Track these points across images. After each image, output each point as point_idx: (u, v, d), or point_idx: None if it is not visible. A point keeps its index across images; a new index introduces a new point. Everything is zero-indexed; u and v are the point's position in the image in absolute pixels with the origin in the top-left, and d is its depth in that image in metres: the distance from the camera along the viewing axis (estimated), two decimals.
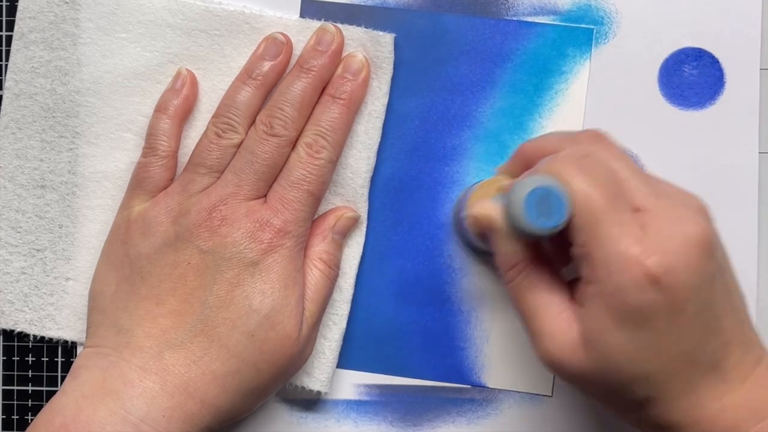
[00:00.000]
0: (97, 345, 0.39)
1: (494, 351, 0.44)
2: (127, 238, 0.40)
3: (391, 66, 0.43)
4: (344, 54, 0.42)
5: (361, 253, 0.44)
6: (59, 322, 0.44)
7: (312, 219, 0.41)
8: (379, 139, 0.43)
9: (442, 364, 0.44)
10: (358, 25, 0.43)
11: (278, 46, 0.42)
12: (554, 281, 0.35)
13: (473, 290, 0.44)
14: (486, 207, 0.35)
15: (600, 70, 0.44)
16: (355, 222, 0.43)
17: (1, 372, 0.45)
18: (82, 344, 0.44)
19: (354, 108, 0.42)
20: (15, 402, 0.45)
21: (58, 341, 0.44)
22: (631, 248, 0.31)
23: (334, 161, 0.41)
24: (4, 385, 0.45)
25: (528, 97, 0.43)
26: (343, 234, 0.43)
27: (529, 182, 0.32)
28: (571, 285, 0.35)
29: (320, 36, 0.42)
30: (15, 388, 0.45)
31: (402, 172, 0.44)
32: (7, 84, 0.44)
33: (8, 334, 0.45)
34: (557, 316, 0.34)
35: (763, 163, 0.44)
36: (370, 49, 0.42)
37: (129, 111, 0.44)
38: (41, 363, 0.45)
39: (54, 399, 0.37)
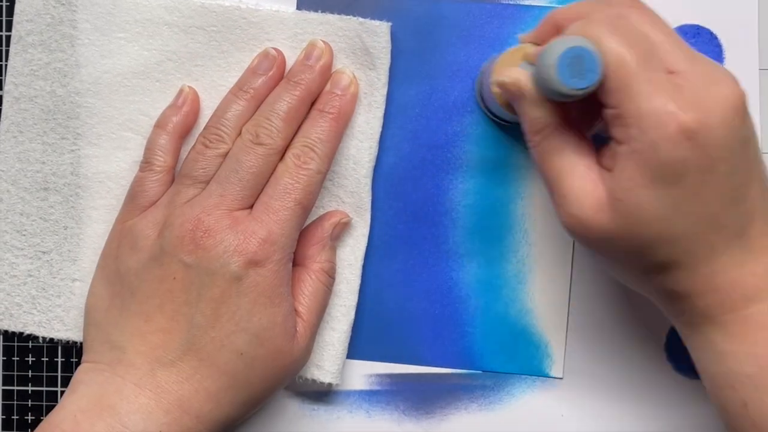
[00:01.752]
0: (93, 360, 0.39)
1: (504, 336, 0.44)
2: (118, 252, 0.40)
3: (389, 55, 0.43)
4: (333, 69, 0.42)
5: (366, 244, 0.44)
6: (67, 323, 0.44)
7: (299, 230, 0.40)
8: (380, 129, 0.43)
9: (452, 351, 0.44)
10: (354, 15, 0.43)
11: (270, 60, 0.42)
12: (581, 144, 0.35)
13: (480, 275, 0.44)
14: (513, 73, 0.35)
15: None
16: (348, 226, 0.43)
17: (1, 372, 0.45)
18: None
19: (342, 123, 0.41)
20: (15, 402, 0.45)
21: (58, 341, 0.44)
22: (667, 104, 0.32)
23: (323, 173, 0.40)
24: (4, 385, 0.45)
25: None
26: (339, 239, 0.43)
27: (561, 43, 0.32)
28: (598, 151, 0.35)
29: (309, 51, 0.42)
30: (15, 388, 0.45)
31: (404, 161, 0.44)
32: (6, 88, 0.44)
33: (8, 334, 0.45)
34: (583, 178, 0.34)
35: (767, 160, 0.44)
36: (367, 40, 0.42)
37: (129, 110, 0.44)
38: (41, 363, 0.45)
39: (52, 413, 0.37)
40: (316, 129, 0.40)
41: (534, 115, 0.35)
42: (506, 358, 0.44)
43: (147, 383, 0.37)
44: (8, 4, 0.44)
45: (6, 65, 0.44)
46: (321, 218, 0.42)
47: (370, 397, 0.44)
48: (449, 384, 0.44)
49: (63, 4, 0.43)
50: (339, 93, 0.41)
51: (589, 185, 0.34)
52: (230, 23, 0.43)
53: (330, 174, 0.43)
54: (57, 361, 0.45)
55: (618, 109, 0.33)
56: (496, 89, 0.37)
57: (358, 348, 0.44)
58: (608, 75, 0.32)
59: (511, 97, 0.36)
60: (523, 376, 0.44)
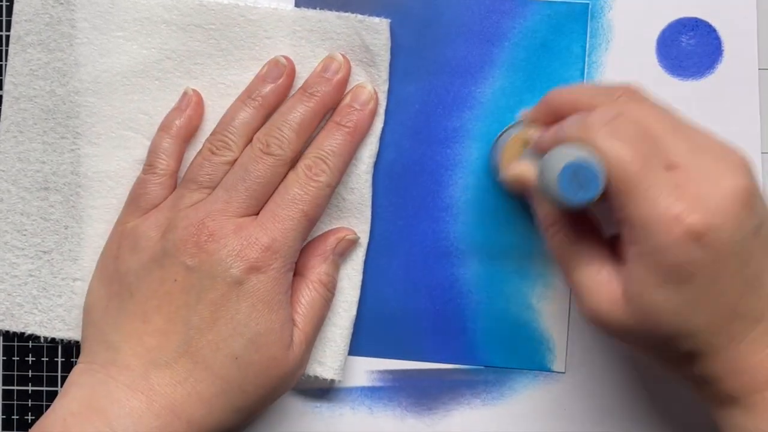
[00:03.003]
0: (87, 361, 0.39)
1: (505, 331, 0.44)
2: (119, 253, 0.40)
3: (389, 52, 0.43)
4: (352, 84, 0.42)
5: (367, 240, 0.44)
6: (69, 322, 0.44)
7: (303, 241, 0.40)
8: (381, 125, 0.43)
9: (454, 346, 0.44)
10: (353, 12, 0.43)
11: (280, 68, 0.42)
12: (594, 237, 0.35)
13: (481, 270, 0.44)
14: (519, 170, 0.36)
15: (597, 44, 0.44)
16: (355, 244, 0.43)
17: (1, 372, 0.45)
18: None
19: (358, 138, 0.41)
20: (15, 402, 0.45)
21: (58, 341, 0.44)
22: (671, 208, 0.31)
23: (333, 186, 0.40)
24: (4, 385, 0.45)
25: (527, 75, 0.43)
26: (343, 256, 0.43)
27: (561, 156, 0.32)
28: (611, 241, 0.36)
29: (327, 64, 0.42)
30: (15, 388, 0.45)
31: (405, 157, 0.44)
32: (6, 88, 0.44)
33: (8, 334, 0.45)
34: (599, 272, 0.34)
35: (765, 162, 0.44)
36: (367, 37, 0.42)
37: (129, 109, 0.44)
38: (41, 363, 0.45)
39: (44, 416, 0.37)
40: (331, 141, 0.40)
41: (544, 211, 0.36)
42: (508, 353, 0.44)
43: (139, 386, 0.37)
44: (8, 3, 0.44)
45: (5, 65, 0.44)
46: (327, 232, 0.43)
47: (372, 393, 0.44)
48: (451, 380, 0.44)
49: (61, 3, 0.43)
50: (358, 107, 0.41)
51: (605, 279, 0.34)
52: (229, 21, 0.43)
53: None
54: (57, 361, 0.45)
55: (623, 211, 0.32)
56: (506, 184, 0.38)
57: (360, 344, 0.44)
58: (610, 180, 0.32)
59: (521, 192, 0.37)
60: (525, 371, 0.44)
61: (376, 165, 0.44)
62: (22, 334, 0.44)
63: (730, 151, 0.34)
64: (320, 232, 0.43)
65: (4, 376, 0.45)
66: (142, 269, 0.39)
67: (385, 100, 0.43)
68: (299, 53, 0.43)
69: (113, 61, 0.43)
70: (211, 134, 0.41)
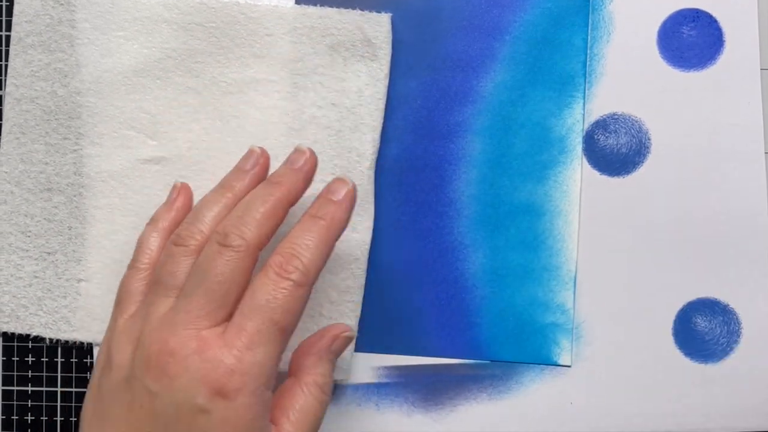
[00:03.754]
0: None
1: (511, 325, 0.44)
2: (99, 366, 0.37)
3: (390, 46, 0.43)
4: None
5: (371, 237, 0.44)
6: (74, 324, 0.44)
7: (280, 355, 0.35)
8: (382, 121, 0.43)
9: (460, 341, 0.44)
10: (354, 8, 0.43)
11: (255, 158, 0.39)
12: None
13: (486, 264, 0.44)
14: None
15: (599, 36, 0.43)
16: (351, 341, 0.40)
17: (1, 372, 0.45)
18: (97, 345, 0.44)
19: (334, 231, 0.37)
20: (15, 402, 0.45)
21: (58, 342, 0.44)
22: None
23: (306, 286, 0.35)
24: (4, 385, 0.45)
25: (528, 69, 0.43)
26: (339, 355, 0.40)
27: None
28: None
29: (295, 157, 0.39)
30: (15, 388, 0.45)
31: (407, 152, 0.44)
32: (7, 89, 0.44)
33: (8, 335, 0.45)
34: None
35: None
36: (368, 31, 0.42)
37: (131, 109, 0.44)
38: (41, 363, 0.45)
39: None
40: (305, 235, 0.36)
41: None
42: (514, 348, 0.44)
43: None
44: (8, 3, 0.44)
45: (6, 65, 0.44)
46: (322, 330, 0.39)
47: (378, 389, 0.44)
48: (458, 374, 0.44)
49: (62, 4, 0.43)
50: (334, 200, 0.38)
51: None
52: (229, 19, 0.43)
53: (333, 167, 0.43)
54: (57, 361, 0.45)
55: None
56: None
57: (365, 341, 0.44)
58: None
59: None
60: (532, 365, 0.44)
61: (379, 161, 0.44)
62: (23, 334, 0.44)
63: None
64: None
65: (4, 376, 0.45)
66: (115, 390, 0.35)
67: (386, 95, 0.43)
68: (300, 50, 0.43)
69: (114, 61, 0.43)
70: (178, 227, 0.38)
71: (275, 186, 0.37)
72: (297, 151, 0.39)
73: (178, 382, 0.34)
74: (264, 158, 0.40)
